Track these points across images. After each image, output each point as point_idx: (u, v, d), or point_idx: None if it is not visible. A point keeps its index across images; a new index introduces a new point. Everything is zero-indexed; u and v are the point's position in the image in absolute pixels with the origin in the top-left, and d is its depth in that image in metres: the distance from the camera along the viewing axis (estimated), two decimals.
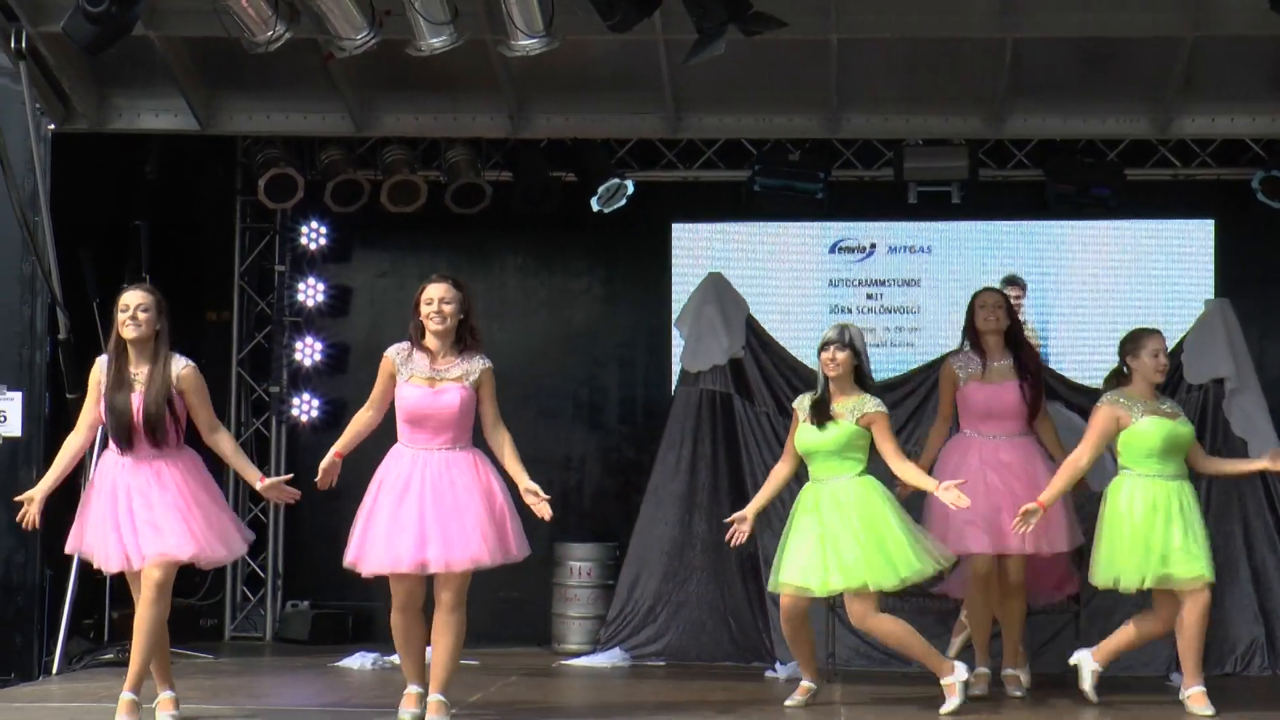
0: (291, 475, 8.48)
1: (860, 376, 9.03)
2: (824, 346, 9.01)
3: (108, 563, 8.24)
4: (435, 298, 8.29)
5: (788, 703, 9.11)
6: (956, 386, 9.65)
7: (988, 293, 9.74)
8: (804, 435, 9.04)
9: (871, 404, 8.96)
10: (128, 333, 8.14)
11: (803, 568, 8.88)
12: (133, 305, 8.15)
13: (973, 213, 12.59)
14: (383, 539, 8.18)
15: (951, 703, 8.77)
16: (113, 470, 8.23)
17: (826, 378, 9.00)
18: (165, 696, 8.27)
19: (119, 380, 8.15)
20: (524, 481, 8.24)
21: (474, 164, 12.48)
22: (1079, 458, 8.90)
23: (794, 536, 8.99)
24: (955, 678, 8.83)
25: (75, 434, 8.36)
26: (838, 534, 8.82)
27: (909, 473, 8.95)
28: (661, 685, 10.02)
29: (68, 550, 8.45)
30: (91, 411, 8.29)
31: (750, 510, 9.20)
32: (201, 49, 10.73)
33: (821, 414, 8.97)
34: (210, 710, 8.66)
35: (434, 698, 8.17)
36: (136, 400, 8.10)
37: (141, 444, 8.16)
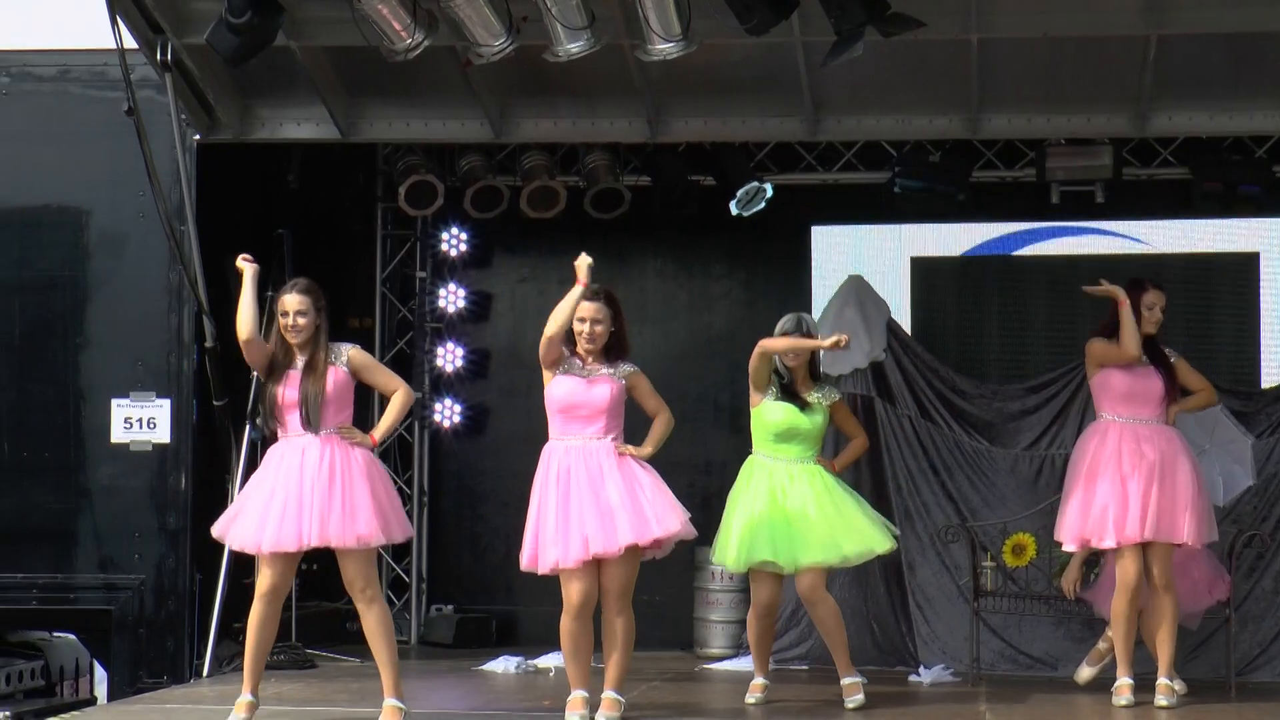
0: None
1: (814, 367, 9.45)
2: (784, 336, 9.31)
3: (282, 542, 8.13)
4: (587, 317, 8.46)
5: (748, 699, 9.23)
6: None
7: (1156, 291, 9.43)
8: (786, 415, 9.25)
9: (835, 393, 9.50)
10: (291, 338, 8.23)
11: (772, 544, 9.10)
12: (291, 311, 8.22)
13: (1117, 212, 12.43)
14: (552, 536, 8.29)
15: (855, 699, 8.97)
16: (288, 456, 8.20)
17: (789, 367, 9.30)
18: (247, 700, 8.29)
19: (284, 368, 8.21)
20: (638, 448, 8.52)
21: (613, 169, 12.50)
22: None
23: (764, 512, 9.17)
24: (857, 679, 9.11)
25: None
26: (809, 509, 9.12)
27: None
28: (804, 689, 9.98)
29: (234, 544, 8.36)
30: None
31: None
32: (342, 58, 10.83)
33: (795, 398, 9.29)
34: (357, 713, 8.73)
35: (610, 695, 8.32)
36: (303, 385, 8.17)
37: (308, 428, 8.18)
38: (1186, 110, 11.10)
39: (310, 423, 8.16)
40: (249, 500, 8.24)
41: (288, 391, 8.18)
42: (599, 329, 8.46)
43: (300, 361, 8.22)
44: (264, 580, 8.19)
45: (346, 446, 8.21)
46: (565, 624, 8.36)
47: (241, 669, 8.28)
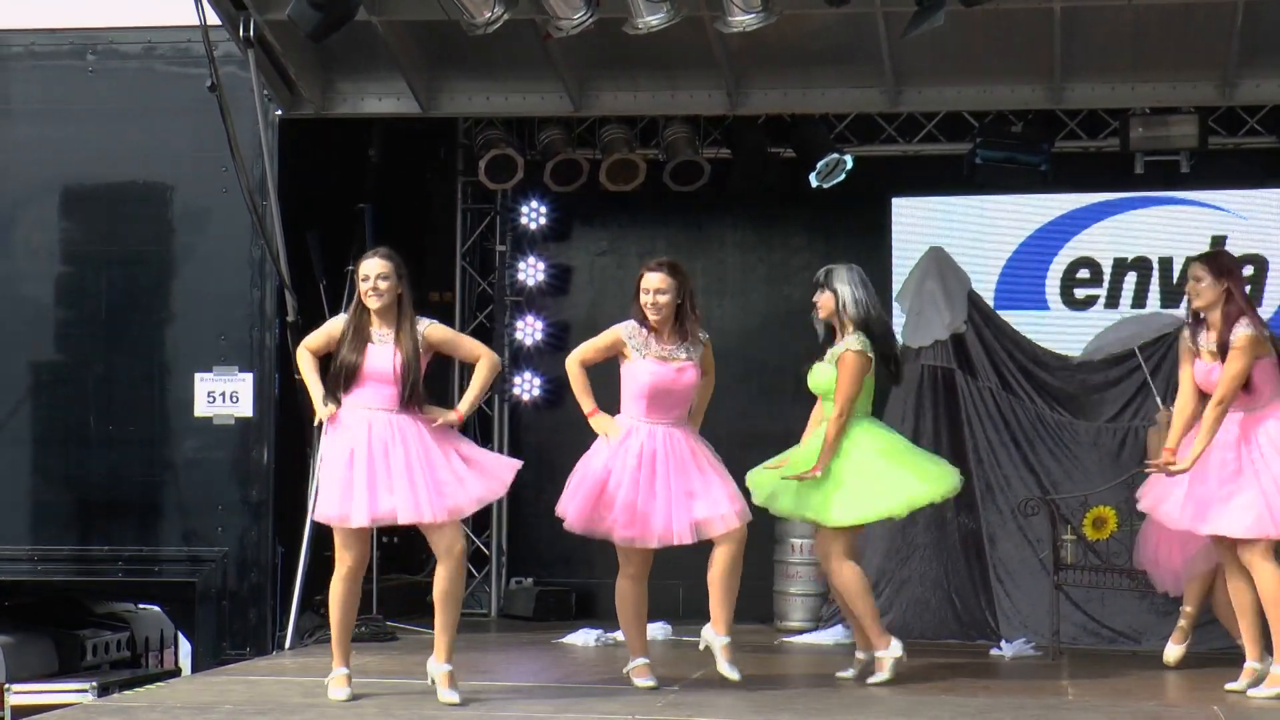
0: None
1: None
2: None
3: (396, 514, 8.10)
4: (651, 288, 8.49)
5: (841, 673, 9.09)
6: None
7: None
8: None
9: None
10: (371, 302, 8.16)
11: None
12: (373, 275, 8.17)
13: (1202, 182, 12.30)
14: (625, 510, 8.38)
15: (880, 676, 8.82)
16: (373, 429, 8.13)
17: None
18: (344, 672, 8.31)
19: (359, 340, 8.15)
20: None
21: (692, 141, 12.48)
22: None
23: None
24: (889, 653, 8.85)
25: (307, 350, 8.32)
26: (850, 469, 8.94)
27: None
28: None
29: (322, 517, 8.26)
30: (317, 344, 8.28)
31: None
32: (422, 32, 10.86)
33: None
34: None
35: (725, 640, 8.50)
36: (395, 357, 8.13)
37: (397, 400, 8.16)
38: (1274, 78, 10.97)
39: (410, 397, 8.13)
40: (335, 475, 8.16)
41: (368, 362, 8.13)
42: (663, 299, 8.47)
43: (379, 334, 8.17)
44: (346, 560, 8.19)
45: (424, 419, 8.21)
46: (628, 587, 8.58)
47: (324, 641, 8.33)
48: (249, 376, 11.04)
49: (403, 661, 9.75)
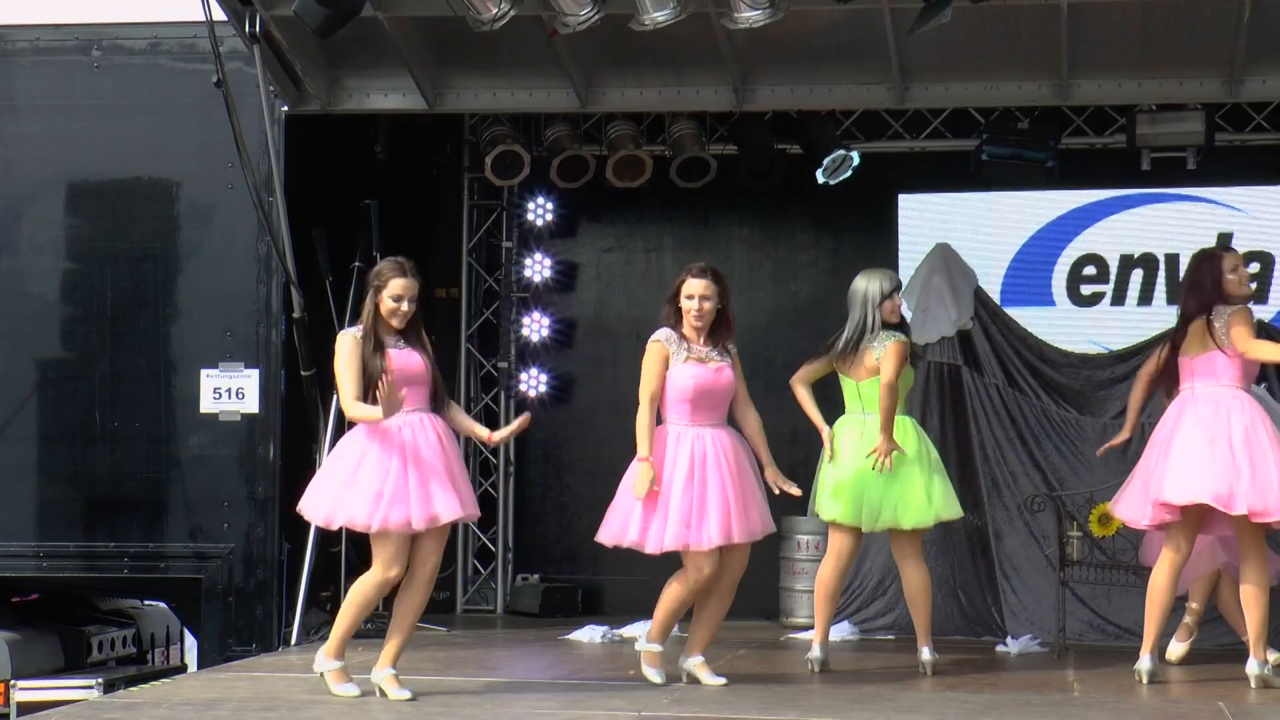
0: (527, 416, 8.40)
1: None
2: (890, 295, 9.12)
3: (413, 520, 8.00)
4: (696, 294, 8.48)
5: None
6: None
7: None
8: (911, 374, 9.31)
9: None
10: (396, 323, 8.10)
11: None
12: (406, 296, 8.11)
13: (1208, 179, 12.29)
14: (682, 516, 8.32)
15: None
16: (414, 432, 8.06)
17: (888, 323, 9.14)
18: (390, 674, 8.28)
19: (379, 350, 8.04)
20: (770, 468, 8.56)
21: (699, 138, 12.48)
22: None
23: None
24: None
25: (352, 408, 8.06)
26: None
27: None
28: (891, 658, 9.96)
29: (360, 524, 8.06)
30: (357, 386, 8.02)
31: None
32: (429, 28, 10.85)
33: None
34: (444, 682, 8.77)
35: (699, 659, 8.65)
36: (424, 362, 8.12)
37: (428, 400, 8.14)
38: None
39: (439, 401, 8.15)
40: (379, 481, 7.99)
41: (396, 367, 8.02)
42: (707, 305, 8.47)
43: (392, 339, 8.11)
44: (393, 569, 8.01)
45: (441, 422, 8.21)
46: (682, 595, 8.49)
47: (328, 638, 8.28)
48: (255, 373, 11.04)
49: (407, 658, 9.69)
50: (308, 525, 10.52)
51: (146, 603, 12.55)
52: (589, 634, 10.90)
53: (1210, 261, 8.75)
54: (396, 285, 8.11)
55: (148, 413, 11.11)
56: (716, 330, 8.56)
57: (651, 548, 8.38)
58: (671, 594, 8.52)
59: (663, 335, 8.53)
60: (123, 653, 12.01)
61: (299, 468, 10.82)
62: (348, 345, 8.07)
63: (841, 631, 10.94)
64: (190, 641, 12.27)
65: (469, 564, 13.12)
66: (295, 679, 8.86)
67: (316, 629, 10.64)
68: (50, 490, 11.14)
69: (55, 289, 11.26)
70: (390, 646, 8.17)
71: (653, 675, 8.60)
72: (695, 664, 8.64)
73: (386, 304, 8.10)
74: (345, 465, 8.08)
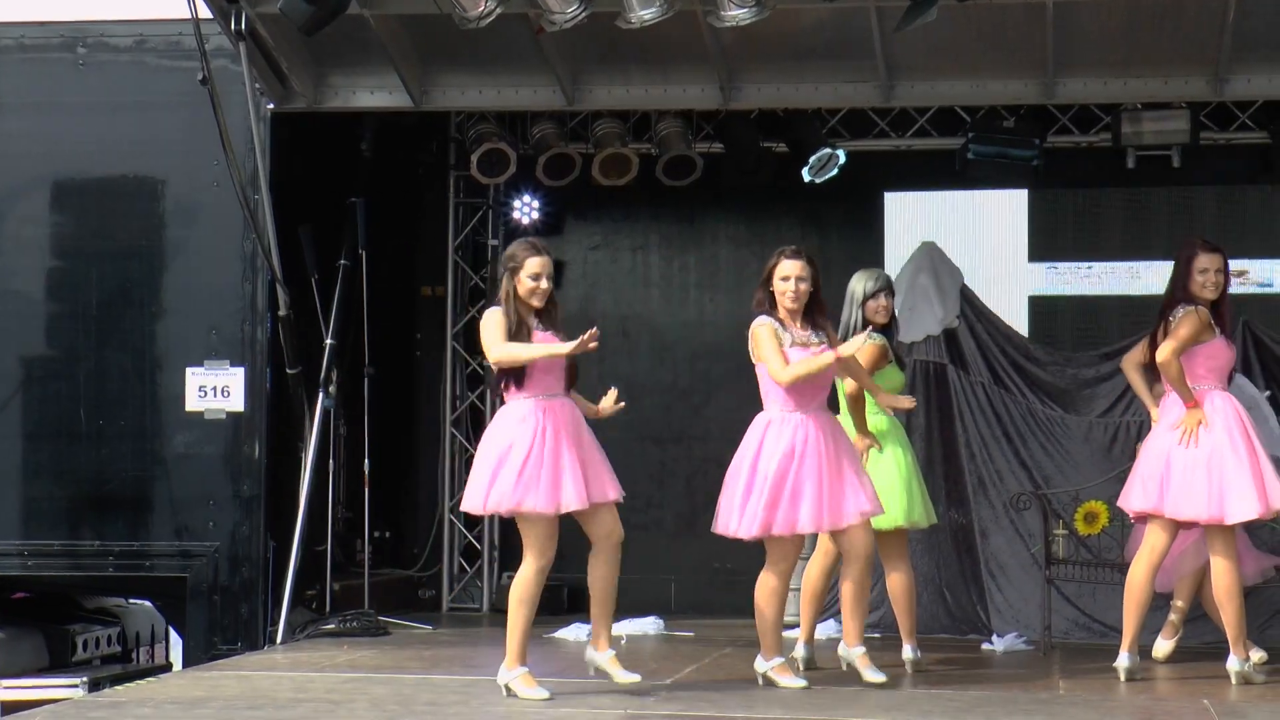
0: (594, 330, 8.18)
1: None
2: (875, 295, 9.15)
3: (566, 503, 8.03)
4: (792, 275, 8.47)
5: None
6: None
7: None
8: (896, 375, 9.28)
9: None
10: (536, 301, 8.09)
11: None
12: (544, 274, 8.09)
13: (1193, 178, 12.30)
14: (802, 501, 8.34)
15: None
16: (556, 415, 8.09)
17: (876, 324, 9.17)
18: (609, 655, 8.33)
19: (524, 334, 8.07)
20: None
21: (685, 136, 12.48)
22: None
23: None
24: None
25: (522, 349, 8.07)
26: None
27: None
28: (877, 656, 9.89)
29: (506, 508, 8.06)
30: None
31: None
32: (415, 26, 10.85)
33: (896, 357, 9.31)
34: (430, 680, 8.77)
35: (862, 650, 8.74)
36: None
37: (564, 385, 8.18)
38: (1265, 73, 10.99)
39: (573, 381, 8.19)
40: (530, 465, 7.99)
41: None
42: (803, 286, 8.46)
43: (536, 324, 8.10)
44: (547, 553, 8.07)
45: (583, 405, 8.29)
46: (774, 584, 8.55)
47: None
48: (240, 371, 11.02)
49: (394, 656, 9.75)
50: (293, 523, 10.54)
51: (132, 601, 12.52)
52: (574, 632, 10.90)
53: (1186, 256, 8.73)
54: (534, 264, 8.11)
55: (133, 411, 11.09)
56: (810, 312, 8.52)
57: (757, 532, 8.36)
58: (767, 594, 8.57)
59: (768, 321, 8.48)
60: (108, 651, 11.98)
61: (284, 466, 10.82)
62: (497, 317, 8.09)
63: (827, 630, 10.92)
64: (175, 640, 12.24)
65: (455, 562, 13.10)
66: (281, 677, 8.85)
67: (301, 628, 10.62)
68: (35, 489, 11.11)
69: (40, 287, 11.23)
70: (599, 629, 8.24)
71: (795, 682, 8.53)
72: (857, 655, 8.72)
73: (525, 284, 8.08)
74: (493, 451, 8.06)
